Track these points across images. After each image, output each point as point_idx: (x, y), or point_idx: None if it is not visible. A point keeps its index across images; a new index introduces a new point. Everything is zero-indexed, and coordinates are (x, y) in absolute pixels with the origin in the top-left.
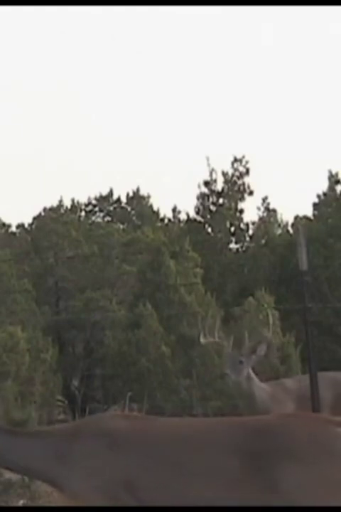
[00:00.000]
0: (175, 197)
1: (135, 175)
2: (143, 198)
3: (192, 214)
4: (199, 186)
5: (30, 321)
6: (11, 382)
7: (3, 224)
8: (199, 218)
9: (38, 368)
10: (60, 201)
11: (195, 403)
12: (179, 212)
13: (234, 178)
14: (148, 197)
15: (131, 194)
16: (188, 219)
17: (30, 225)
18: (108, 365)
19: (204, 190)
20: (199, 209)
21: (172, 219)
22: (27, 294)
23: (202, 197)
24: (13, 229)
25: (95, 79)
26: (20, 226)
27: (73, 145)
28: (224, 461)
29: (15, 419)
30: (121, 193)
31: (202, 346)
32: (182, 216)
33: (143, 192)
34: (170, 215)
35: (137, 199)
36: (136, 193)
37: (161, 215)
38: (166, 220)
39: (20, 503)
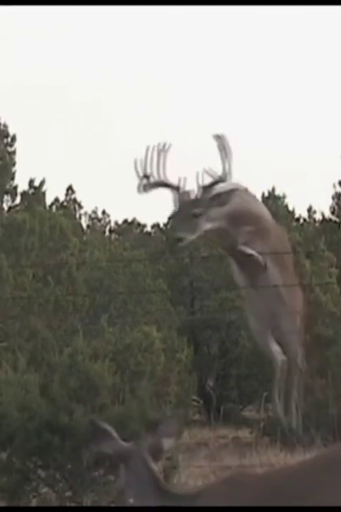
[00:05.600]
0: (311, 197)
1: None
2: (278, 197)
3: (328, 214)
4: (334, 186)
5: (165, 320)
6: (146, 382)
7: (138, 224)
8: (334, 218)
9: (173, 368)
10: None
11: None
12: (314, 212)
13: None
14: (284, 197)
15: (266, 194)
16: (323, 219)
17: (165, 224)
18: (243, 364)
19: (340, 190)
20: (334, 209)
21: (307, 219)
22: (162, 294)
23: (337, 196)
24: (148, 229)
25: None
26: (154, 226)
27: None
28: None
29: (151, 419)
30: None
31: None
32: (318, 216)
33: (278, 192)
34: (305, 214)
35: (272, 199)
36: (271, 192)
37: (296, 215)
38: (301, 220)
39: None
